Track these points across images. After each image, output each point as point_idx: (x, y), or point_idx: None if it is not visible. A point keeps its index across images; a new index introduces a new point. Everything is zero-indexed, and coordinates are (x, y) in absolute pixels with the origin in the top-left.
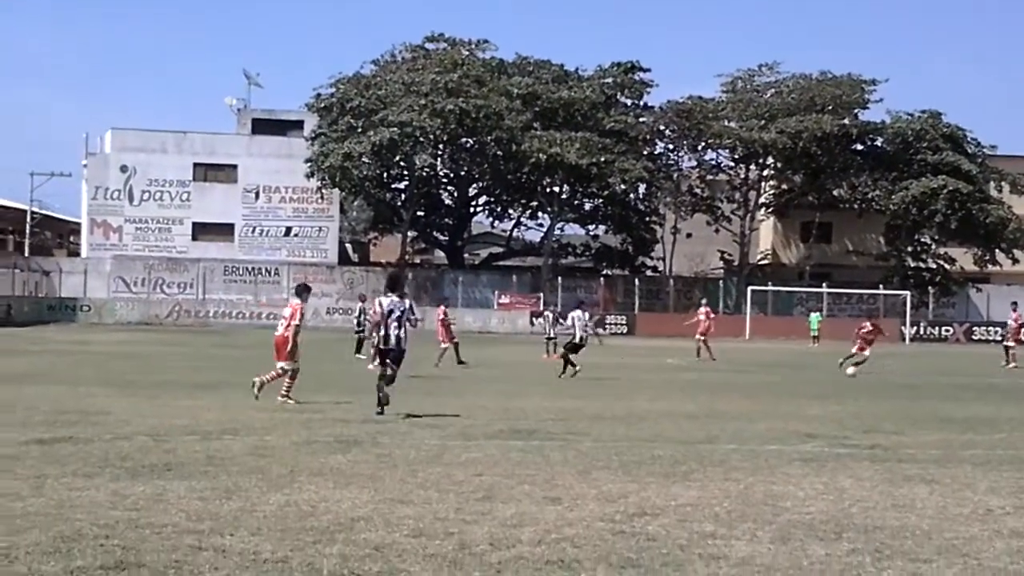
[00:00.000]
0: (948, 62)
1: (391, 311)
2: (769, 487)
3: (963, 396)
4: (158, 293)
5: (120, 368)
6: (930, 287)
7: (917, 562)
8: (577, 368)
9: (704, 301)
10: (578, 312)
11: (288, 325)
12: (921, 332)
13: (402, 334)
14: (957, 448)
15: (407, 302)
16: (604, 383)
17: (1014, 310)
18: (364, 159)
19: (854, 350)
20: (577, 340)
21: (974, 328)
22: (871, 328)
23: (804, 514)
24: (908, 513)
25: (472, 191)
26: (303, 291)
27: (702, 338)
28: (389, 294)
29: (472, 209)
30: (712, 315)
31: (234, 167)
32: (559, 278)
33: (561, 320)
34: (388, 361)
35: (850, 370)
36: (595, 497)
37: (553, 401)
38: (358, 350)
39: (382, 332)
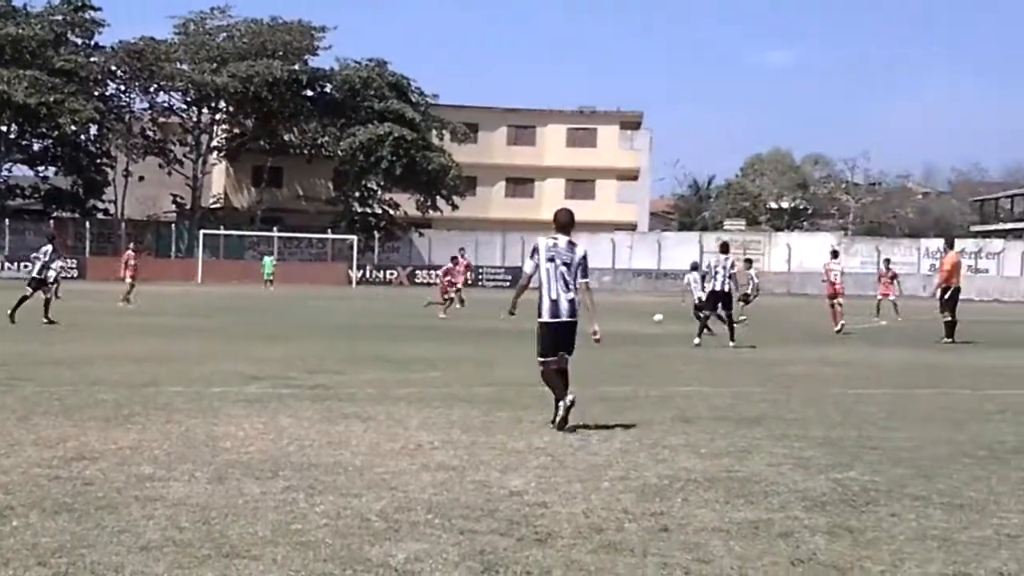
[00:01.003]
0: (397, 10)
1: None
2: (211, 428)
3: (404, 337)
4: None
5: None
6: (376, 231)
7: (348, 496)
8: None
9: (132, 245)
10: (47, 247)
11: None
12: (367, 275)
13: None
14: (394, 386)
15: None
16: (53, 328)
17: (463, 256)
18: None
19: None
20: (37, 275)
21: (417, 271)
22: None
23: (243, 454)
24: (343, 450)
25: None
26: None
27: (131, 281)
28: None
29: None
30: (136, 258)
31: None
32: (7, 220)
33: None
34: None
35: (442, 315)
36: (33, 443)
37: None
38: None
39: None
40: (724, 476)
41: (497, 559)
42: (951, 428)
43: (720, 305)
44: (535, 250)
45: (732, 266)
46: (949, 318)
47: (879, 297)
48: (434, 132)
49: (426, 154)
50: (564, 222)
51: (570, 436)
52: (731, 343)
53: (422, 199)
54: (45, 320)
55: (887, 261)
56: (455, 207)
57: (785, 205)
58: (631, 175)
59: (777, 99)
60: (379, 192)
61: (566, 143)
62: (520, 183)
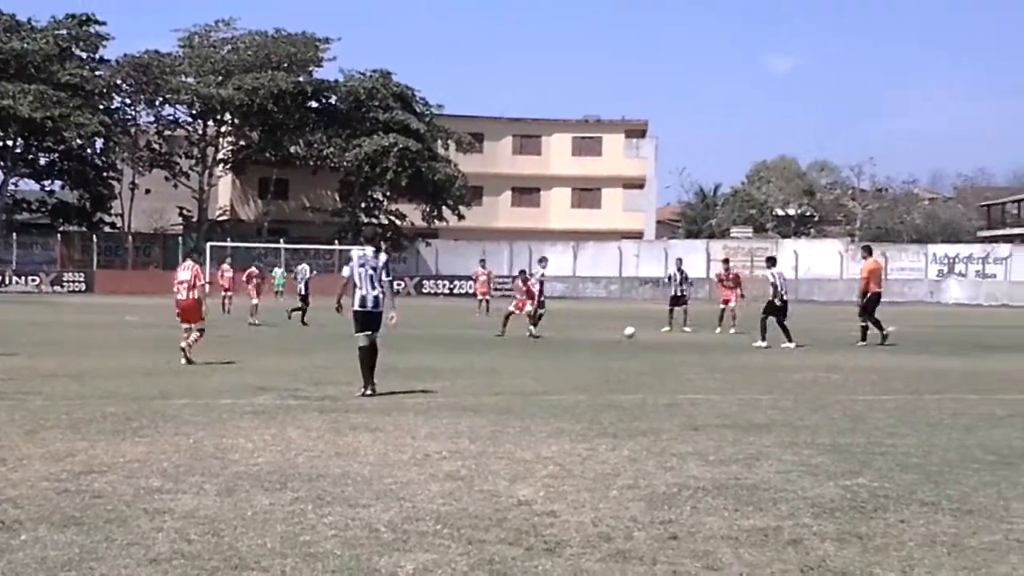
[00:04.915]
0: (401, 21)
1: None
2: (219, 440)
3: (409, 347)
4: None
5: None
6: (383, 242)
7: (356, 507)
8: None
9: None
10: None
11: (194, 287)
12: None
13: None
14: (401, 397)
15: None
16: (60, 342)
17: (482, 266)
18: None
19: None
20: None
21: (424, 281)
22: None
23: (252, 466)
24: (351, 461)
25: None
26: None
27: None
28: None
29: None
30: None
31: None
32: (14, 235)
33: None
34: None
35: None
36: (41, 456)
37: (2, 361)
38: None
39: None
40: (733, 483)
41: (506, 569)
42: (960, 433)
43: (780, 314)
44: (348, 259)
45: (782, 276)
46: (864, 323)
47: (721, 305)
48: (439, 142)
49: (431, 164)
50: (370, 236)
51: (579, 446)
52: (791, 344)
53: (428, 209)
54: None
55: (726, 261)
56: (461, 217)
57: (791, 212)
58: (637, 183)
59: (781, 106)
60: (385, 203)
61: (572, 152)
62: (526, 192)
